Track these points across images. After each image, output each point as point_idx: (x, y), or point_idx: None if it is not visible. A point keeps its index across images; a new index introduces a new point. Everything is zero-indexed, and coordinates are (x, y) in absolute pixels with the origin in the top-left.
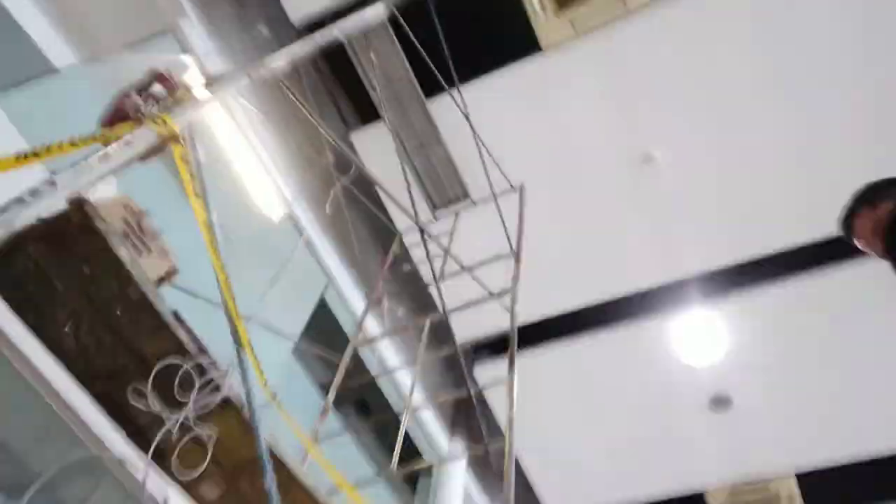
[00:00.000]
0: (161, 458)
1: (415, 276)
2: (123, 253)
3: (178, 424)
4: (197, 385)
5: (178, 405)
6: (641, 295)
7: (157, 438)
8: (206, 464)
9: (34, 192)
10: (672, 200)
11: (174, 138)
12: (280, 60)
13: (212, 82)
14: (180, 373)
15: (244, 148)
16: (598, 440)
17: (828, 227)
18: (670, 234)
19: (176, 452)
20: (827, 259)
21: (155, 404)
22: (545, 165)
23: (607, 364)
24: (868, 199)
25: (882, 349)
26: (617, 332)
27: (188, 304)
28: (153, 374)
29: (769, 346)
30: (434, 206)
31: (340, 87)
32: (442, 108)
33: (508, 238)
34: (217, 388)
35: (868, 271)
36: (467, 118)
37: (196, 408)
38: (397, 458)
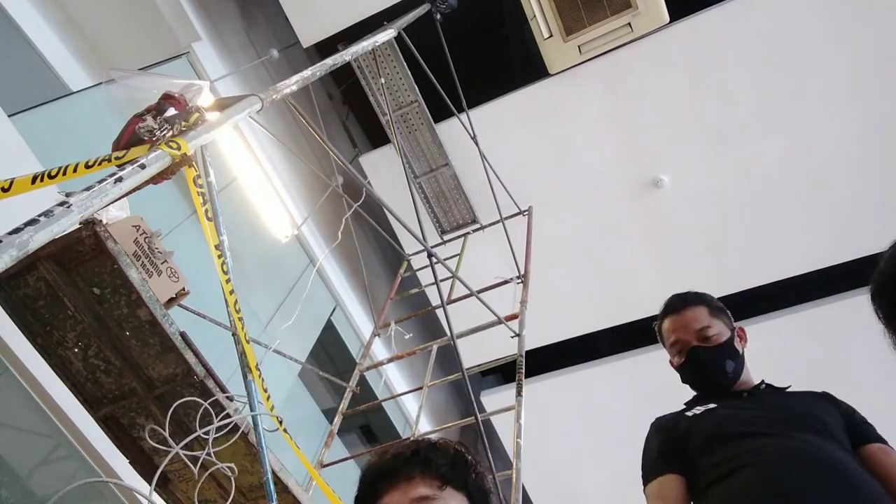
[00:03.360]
0: (166, 483)
1: (422, 299)
2: (134, 274)
3: (184, 450)
4: (202, 410)
5: (185, 430)
6: (651, 321)
7: (163, 465)
8: (211, 490)
9: (48, 214)
10: (680, 226)
11: (187, 161)
12: (292, 84)
13: (224, 106)
14: (187, 397)
15: (255, 171)
16: (607, 470)
17: (837, 256)
18: (679, 260)
19: (181, 478)
20: (836, 288)
21: (161, 428)
22: (553, 189)
23: (617, 393)
24: None
25: (881, 377)
26: (626, 360)
27: (196, 326)
28: (160, 397)
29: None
30: (442, 230)
31: (351, 110)
32: (450, 131)
33: (516, 262)
34: (224, 414)
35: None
36: (476, 142)
37: (202, 433)
38: None
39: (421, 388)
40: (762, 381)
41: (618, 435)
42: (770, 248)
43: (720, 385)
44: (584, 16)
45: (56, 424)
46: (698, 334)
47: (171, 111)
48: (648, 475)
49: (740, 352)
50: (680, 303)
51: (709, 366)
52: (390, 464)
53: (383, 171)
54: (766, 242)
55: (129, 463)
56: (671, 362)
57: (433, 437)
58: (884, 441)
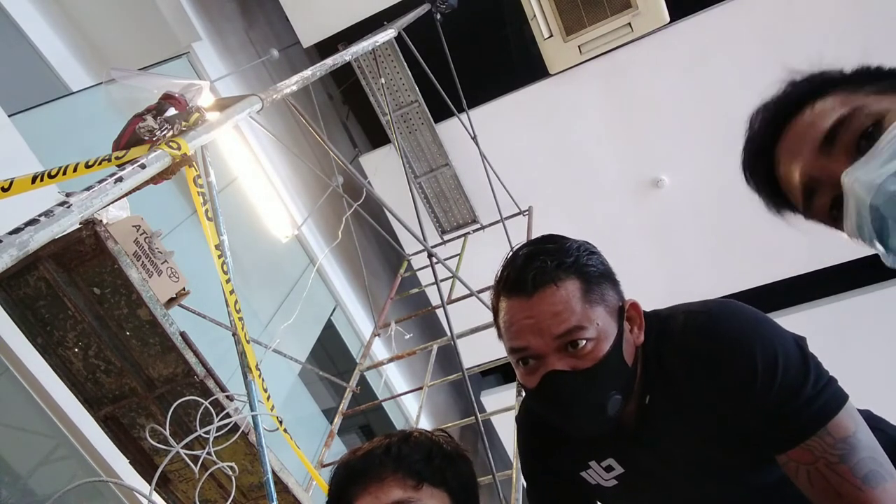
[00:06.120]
0: (166, 483)
1: (422, 299)
2: (134, 274)
3: (185, 450)
4: (203, 409)
5: (185, 430)
6: None
7: (164, 465)
8: (211, 490)
9: (48, 214)
10: (680, 226)
11: (187, 161)
12: (292, 84)
13: (224, 106)
14: (187, 397)
15: (255, 171)
16: None
17: (838, 256)
18: (679, 260)
19: (181, 478)
20: (837, 288)
21: (161, 428)
22: (553, 189)
23: None
24: None
25: (882, 377)
26: None
27: (196, 326)
28: (160, 397)
29: None
30: (442, 230)
31: (351, 110)
32: (451, 131)
33: None
34: (224, 414)
35: (879, 298)
36: (476, 142)
37: (202, 433)
38: None
39: (421, 388)
40: (646, 395)
41: None
42: (771, 247)
43: (594, 433)
44: (584, 16)
45: (56, 424)
46: (560, 342)
47: (172, 111)
48: None
49: (632, 359)
50: (532, 276)
51: (579, 406)
52: (360, 464)
53: (383, 171)
54: (766, 242)
55: (129, 463)
56: (518, 376)
57: (414, 429)
58: None
